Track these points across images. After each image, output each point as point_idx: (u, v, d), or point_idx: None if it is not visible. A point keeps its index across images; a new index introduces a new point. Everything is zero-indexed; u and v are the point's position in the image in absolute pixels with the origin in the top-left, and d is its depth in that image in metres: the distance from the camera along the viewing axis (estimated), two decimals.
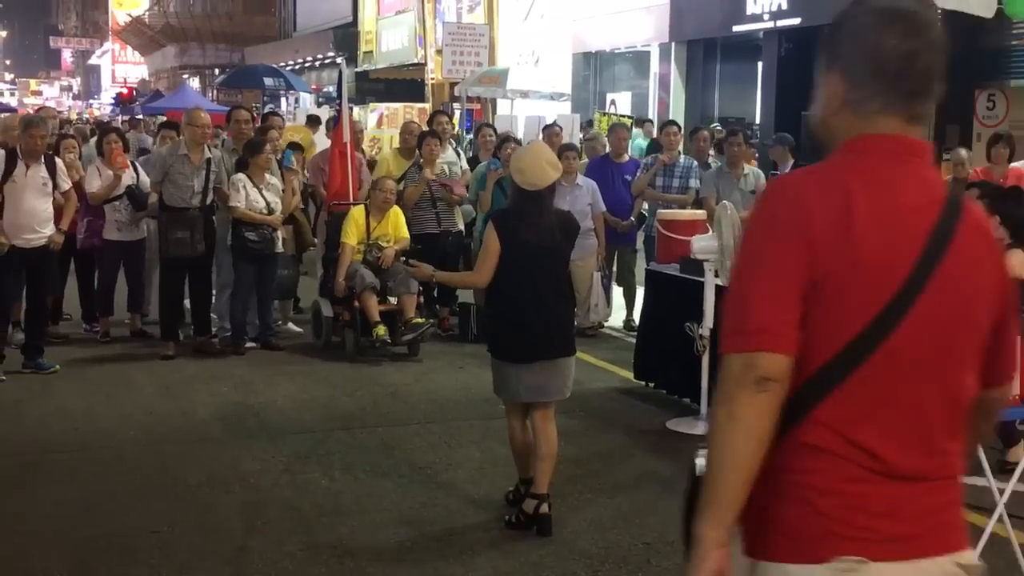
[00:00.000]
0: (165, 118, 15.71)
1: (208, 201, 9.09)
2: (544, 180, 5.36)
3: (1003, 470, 5.79)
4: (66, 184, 8.60)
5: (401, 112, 22.34)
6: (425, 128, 10.83)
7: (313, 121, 19.36)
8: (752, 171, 10.11)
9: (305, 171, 11.18)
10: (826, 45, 2.22)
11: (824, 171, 2.17)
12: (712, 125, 16.11)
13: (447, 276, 5.74)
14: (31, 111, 20.68)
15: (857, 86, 2.15)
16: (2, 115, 14.61)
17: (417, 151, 10.67)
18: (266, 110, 23.97)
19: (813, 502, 2.05)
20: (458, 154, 10.60)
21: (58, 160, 8.69)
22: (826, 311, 2.04)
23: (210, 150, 9.27)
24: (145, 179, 9.49)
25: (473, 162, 11.15)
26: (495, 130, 11.66)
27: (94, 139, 11.30)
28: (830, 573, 2.01)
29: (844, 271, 2.03)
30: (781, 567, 2.06)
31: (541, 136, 12.55)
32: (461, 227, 10.35)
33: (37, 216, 8.31)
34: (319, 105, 27.39)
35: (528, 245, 5.28)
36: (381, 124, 22.69)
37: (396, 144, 11.36)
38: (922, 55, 2.12)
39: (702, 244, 7.12)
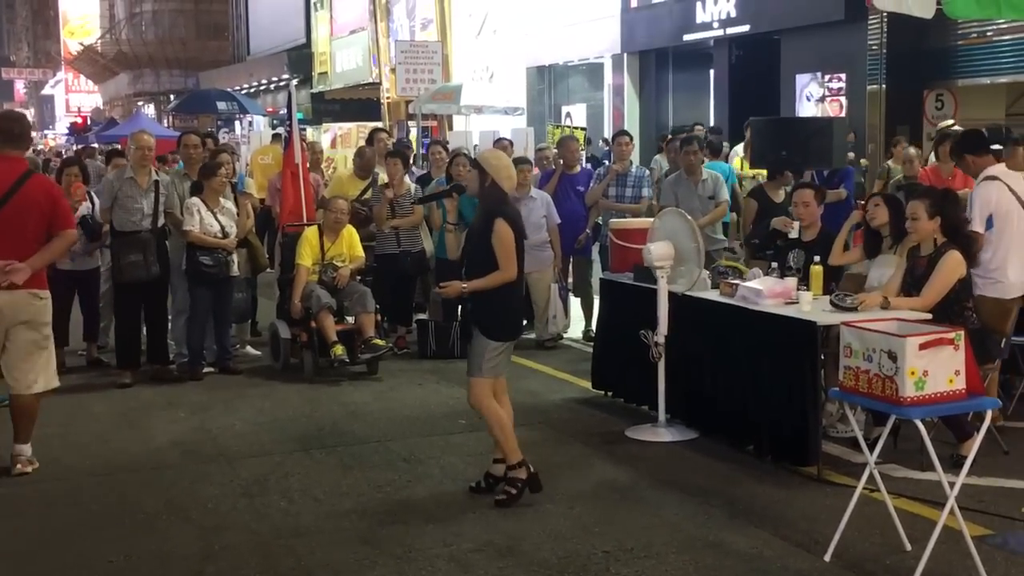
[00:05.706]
0: (119, 146, 15.63)
1: (159, 224, 9.02)
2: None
3: (957, 464, 5.84)
4: None
5: (354, 132, 22.36)
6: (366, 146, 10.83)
7: (278, 139, 19.38)
8: (711, 175, 9.98)
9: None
10: None
11: None
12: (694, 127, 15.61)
13: (479, 283, 5.82)
14: None
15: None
16: None
17: (375, 172, 10.64)
18: (220, 135, 23.91)
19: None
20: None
21: None
22: None
23: (157, 173, 9.25)
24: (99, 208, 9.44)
25: (424, 180, 11.11)
26: (446, 147, 11.62)
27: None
28: None
29: None
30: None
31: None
32: (423, 247, 10.29)
33: None
34: (273, 128, 27.35)
35: (520, 238, 5.99)
36: (335, 145, 22.71)
37: (351, 166, 11.33)
38: (23, 126, 6.83)
39: (659, 252, 7.15)
